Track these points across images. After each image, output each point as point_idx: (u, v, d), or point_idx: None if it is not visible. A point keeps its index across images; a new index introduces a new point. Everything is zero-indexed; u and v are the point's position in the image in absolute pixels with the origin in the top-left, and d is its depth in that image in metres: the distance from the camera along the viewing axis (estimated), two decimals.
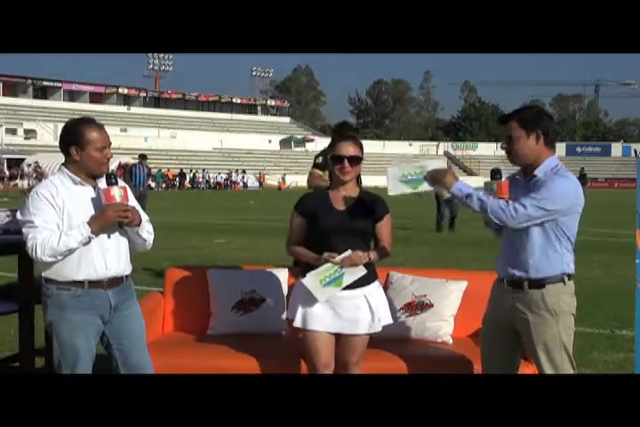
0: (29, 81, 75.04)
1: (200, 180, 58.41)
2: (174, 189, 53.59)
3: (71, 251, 3.36)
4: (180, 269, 4.88)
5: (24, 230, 3.39)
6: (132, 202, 3.51)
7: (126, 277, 3.60)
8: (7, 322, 5.95)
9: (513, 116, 3.50)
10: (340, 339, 3.79)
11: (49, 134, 62.03)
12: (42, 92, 76.49)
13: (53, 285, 3.44)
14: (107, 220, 3.37)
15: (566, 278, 3.48)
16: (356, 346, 3.79)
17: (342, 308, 3.74)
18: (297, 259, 3.90)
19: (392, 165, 3.49)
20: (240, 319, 4.48)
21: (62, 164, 3.51)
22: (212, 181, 59.10)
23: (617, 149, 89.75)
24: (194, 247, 13.39)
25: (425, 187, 3.41)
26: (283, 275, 4.58)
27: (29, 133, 63.37)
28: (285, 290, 4.48)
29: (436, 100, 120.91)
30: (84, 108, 71.00)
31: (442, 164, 3.46)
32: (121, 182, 3.45)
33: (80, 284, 3.43)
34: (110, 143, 3.52)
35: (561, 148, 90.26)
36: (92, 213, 3.42)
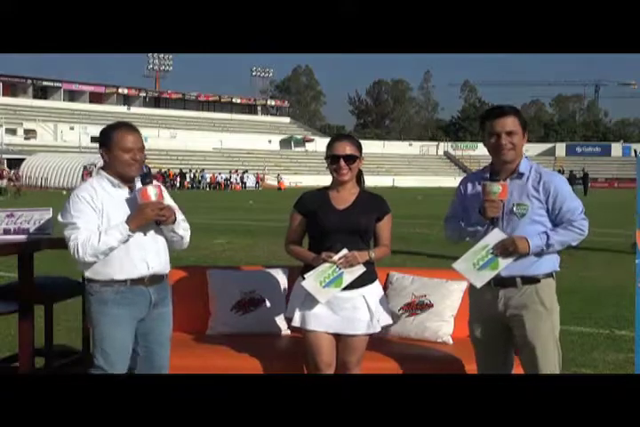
0: (29, 81, 75.06)
1: (199, 179, 58.40)
2: (174, 189, 53.59)
3: (111, 250, 3.45)
4: (180, 270, 4.87)
5: (65, 233, 3.47)
6: (168, 200, 3.61)
7: (166, 275, 3.71)
8: (7, 322, 5.96)
9: (513, 112, 3.50)
10: (339, 339, 3.79)
11: (49, 134, 62.00)
12: (42, 92, 76.51)
13: (96, 283, 3.53)
14: (144, 218, 3.47)
15: (554, 275, 3.57)
16: (355, 346, 3.78)
17: (341, 308, 3.74)
18: (296, 258, 3.90)
19: (457, 264, 3.53)
20: (239, 319, 4.48)
21: (100, 167, 3.62)
22: (209, 180, 59.06)
23: (617, 149, 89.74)
24: (194, 247, 13.27)
25: (502, 263, 3.44)
26: (283, 275, 4.57)
27: (29, 133, 63.29)
28: (285, 290, 4.47)
29: (435, 100, 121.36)
30: (84, 108, 71.07)
31: (499, 235, 3.46)
32: (155, 182, 3.54)
33: (122, 282, 3.52)
34: (142, 146, 3.57)
35: (561, 148, 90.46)
36: (130, 214, 3.51)
